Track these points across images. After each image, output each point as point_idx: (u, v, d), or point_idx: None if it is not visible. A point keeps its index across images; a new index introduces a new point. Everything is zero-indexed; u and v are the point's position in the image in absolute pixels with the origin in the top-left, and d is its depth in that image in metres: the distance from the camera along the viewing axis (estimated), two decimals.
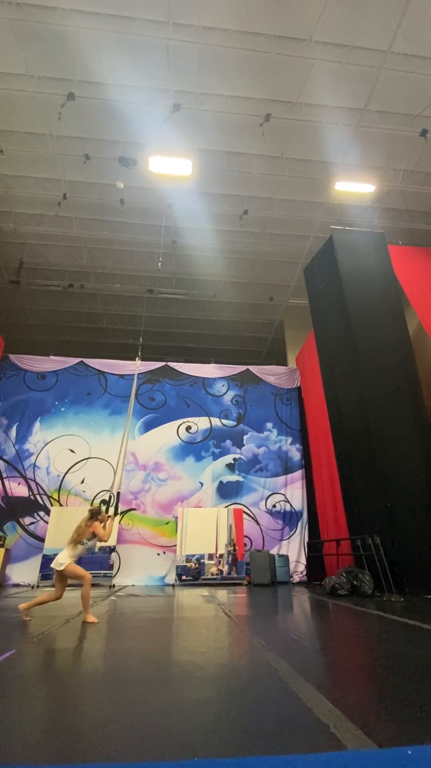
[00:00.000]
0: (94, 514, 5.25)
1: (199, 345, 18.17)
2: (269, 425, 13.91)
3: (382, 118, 10.14)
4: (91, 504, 11.73)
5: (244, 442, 13.53)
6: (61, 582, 5.01)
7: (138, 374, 13.87)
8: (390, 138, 10.57)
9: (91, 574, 5.19)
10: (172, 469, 12.80)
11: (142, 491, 12.36)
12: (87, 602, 4.75)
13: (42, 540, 10.99)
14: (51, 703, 2.19)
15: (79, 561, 5.12)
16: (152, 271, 14.42)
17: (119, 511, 11.39)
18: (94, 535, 5.09)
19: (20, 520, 11.63)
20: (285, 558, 11.08)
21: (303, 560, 11.73)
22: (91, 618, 4.67)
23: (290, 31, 8.63)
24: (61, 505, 11.89)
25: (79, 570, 4.99)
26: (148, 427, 13.36)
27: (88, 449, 12.72)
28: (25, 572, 10.79)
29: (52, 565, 4.99)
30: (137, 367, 8.09)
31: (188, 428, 13.54)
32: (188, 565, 10.67)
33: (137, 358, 8.15)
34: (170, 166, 10.73)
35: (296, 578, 11.32)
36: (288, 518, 12.54)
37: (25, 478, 12.17)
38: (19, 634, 4.06)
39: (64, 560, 4.91)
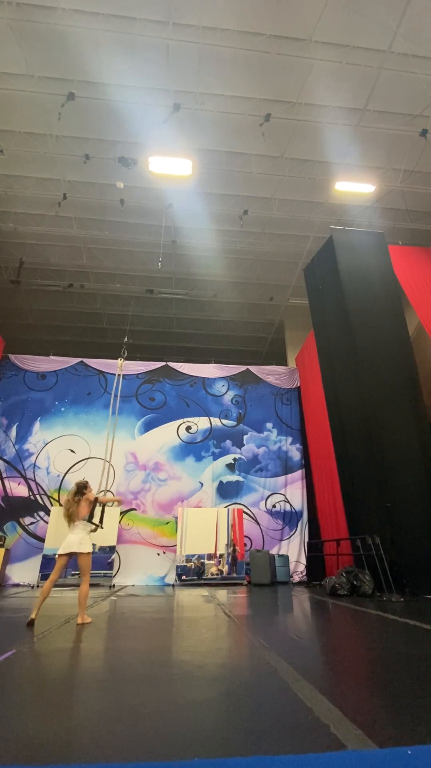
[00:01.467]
0: (80, 488, 5.04)
1: (199, 345, 18.17)
2: (269, 425, 13.91)
3: (382, 118, 10.14)
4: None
5: (244, 442, 13.53)
6: (65, 567, 4.86)
7: (138, 374, 13.93)
8: (390, 138, 10.57)
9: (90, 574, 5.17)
10: (172, 469, 12.80)
11: (142, 491, 12.36)
12: (85, 602, 4.70)
13: (42, 540, 11.00)
14: (51, 703, 2.19)
15: None
16: (152, 271, 14.41)
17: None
18: (92, 515, 5.00)
19: (20, 520, 11.64)
20: (285, 558, 11.08)
21: (303, 560, 11.73)
22: (87, 619, 4.61)
23: (290, 31, 8.62)
24: (61, 505, 11.88)
25: (89, 564, 4.91)
26: (148, 427, 13.36)
27: (88, 449, 12.72)
28: (25, 572, 10.80)
29: (74, 548, 4.77)
30: (120, 368, 7.92)
31: (188, 428, 13.54)
32: (188, 565, 10.67)
33: (120, 359, 7.99)
34: (170, 166, 10.73)
35: (296, 578, 11.33)
36: (288, 518, 12.54)
37: (25, 478, 12.17)
38: (19, 634, 4.06)
39: (87, 543, 4.84)
